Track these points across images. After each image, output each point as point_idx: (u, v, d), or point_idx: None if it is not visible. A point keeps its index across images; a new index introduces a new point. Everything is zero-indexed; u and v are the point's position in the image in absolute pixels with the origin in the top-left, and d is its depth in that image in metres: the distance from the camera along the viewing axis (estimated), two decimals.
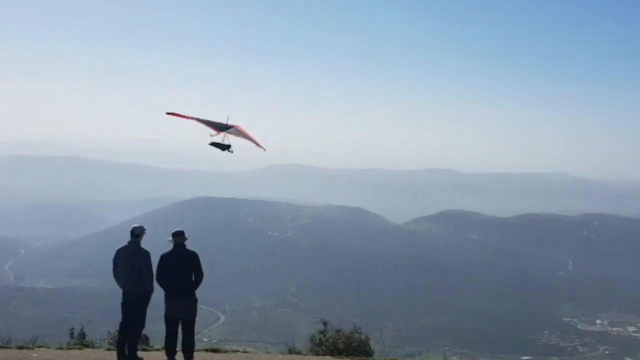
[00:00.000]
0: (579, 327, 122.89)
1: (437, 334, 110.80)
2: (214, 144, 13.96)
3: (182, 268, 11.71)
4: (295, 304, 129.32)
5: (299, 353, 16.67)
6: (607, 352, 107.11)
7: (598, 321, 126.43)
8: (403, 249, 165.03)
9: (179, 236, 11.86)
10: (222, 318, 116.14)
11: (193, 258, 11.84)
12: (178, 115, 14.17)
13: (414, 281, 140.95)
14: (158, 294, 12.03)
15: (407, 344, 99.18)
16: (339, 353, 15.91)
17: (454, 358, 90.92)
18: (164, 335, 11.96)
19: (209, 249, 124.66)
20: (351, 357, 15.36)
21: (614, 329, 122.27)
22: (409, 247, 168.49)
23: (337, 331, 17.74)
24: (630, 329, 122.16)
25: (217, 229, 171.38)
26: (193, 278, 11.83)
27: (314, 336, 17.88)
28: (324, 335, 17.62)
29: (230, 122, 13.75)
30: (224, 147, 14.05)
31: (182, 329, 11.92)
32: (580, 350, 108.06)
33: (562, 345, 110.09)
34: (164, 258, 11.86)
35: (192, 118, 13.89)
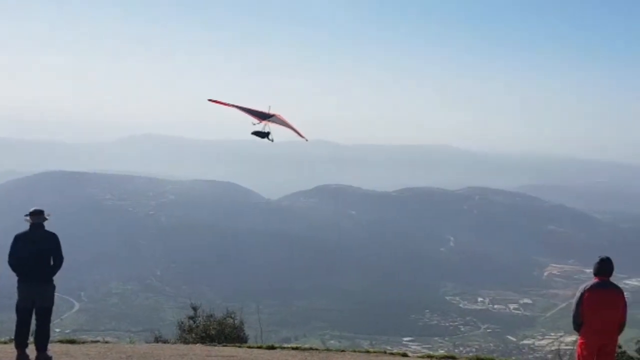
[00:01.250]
0: (460, 305, 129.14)
1: (315, 316, 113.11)
2: (255, 133, 15.10)
3: (40, 251, 11.30)
4: (160, 288, 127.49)
5: (166, 342, 16.61)
6: (488, 330, 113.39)
7: (480, 299, 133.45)
8: (278, 226, 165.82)
9: (37, 215, 11.43)
10: (77, 305, 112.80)
11: (52, 240, 11.44)
12: (220, 102, 15.17)
13: (290, 261, 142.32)
14: (9, 281, 11.63)
15: (284, 328, 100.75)
16: (211, 340, 15.98)
17: (332, 342, 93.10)
18: (14, 326, 11.57)
19: (60, 229, 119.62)
20: (224, 343, 15.45)
21: (495, 306, 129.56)
22: (285, 224, 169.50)
23: (208, 316, 17.82)
24: (512, 306, 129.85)
25: (68, 206, 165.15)
26: (52, 262, 11.50)
27: (182, 323, 17.86)
28: (194, 322, 17.65)
29: (271, 111, 14.72)
30: (264, 135, 15.13)
31: (37, 318, 11.55)
32: (462, 329, 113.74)
33: (443, 324, 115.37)
34: (19, 239, 11.35)
35: (234, 106, 14.84)
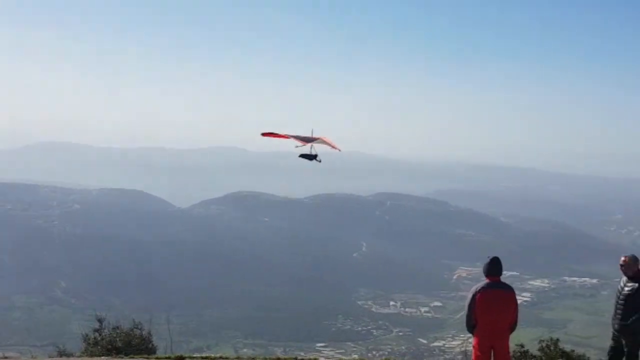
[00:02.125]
0: (373, 310, 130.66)
1: (228, 325, 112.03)
2: (303, 156, 16.38)
3: None
4: (65, 300, 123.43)
5: (70, 355, 16.09)
6: (400, 333, 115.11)
7: (392, 303, 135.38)
8: (189, 235, 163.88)
9: None
10: None
11: None
12: (275, 135, 16.62)
13: (202, 270, 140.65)
14: None
15: (195, 337, 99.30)
16: (118, 352, 15.60)
17: (245, 350, 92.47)
18: None
19: None
20: (131, 355, 15.10)
21: (407, 310, 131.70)
22: (196, 232, 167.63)
23: (115, 328, 17.36)
24: (423, 309, 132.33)
25: None
26: None
27: (87, 335, 17.34)
28: (100, 334, 17.16)
29: (315, 135, 16.13)
30: (312, 157, 16.42)
31: None
32: (375, 333, 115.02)
33: (356, 329, 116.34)
34: None
35: (289, 136, 16.11)
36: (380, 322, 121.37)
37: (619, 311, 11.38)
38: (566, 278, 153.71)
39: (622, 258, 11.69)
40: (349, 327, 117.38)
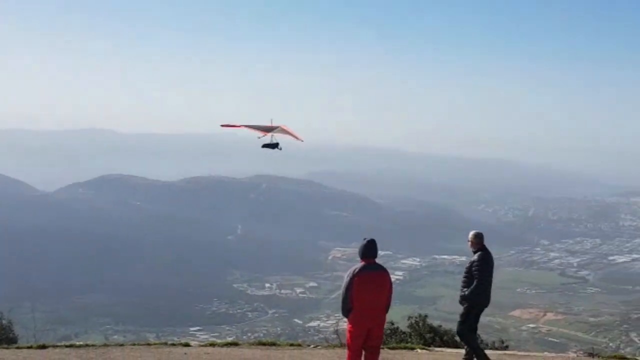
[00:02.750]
0: (248, 292, 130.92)
1: (97, 312, 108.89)
2: (265, 145, 16.96)
3: None
4: None
5: None
6: (276, 315, 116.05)
7: (267, 285, 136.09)
8: (55, 220, 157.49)
9: None
10: None
11: None
12: (232, 125, 17.74)
13: (69, 256, 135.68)
14: None
15: (62, 325, 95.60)
16: None
17: (116, 337, 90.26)
18: None
19: None
20: None
21: (282, 291, 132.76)
22: (63, 217, 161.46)
23: None
24: (298, 290, 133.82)
25: None
26: None
27: None
28: None
29: (274, 124, 16.54)
30: (274, 146, 16.97)
31: None
32: (250, 315, 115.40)
33: (231, 312, 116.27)
34: None
35: (243, 126, 16.92)
36: (255, 304, 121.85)
37: (462, 283, 11.86)
38: (436, 256, 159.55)
39: (469, 235, 12.09)
40: (224, 310, 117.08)
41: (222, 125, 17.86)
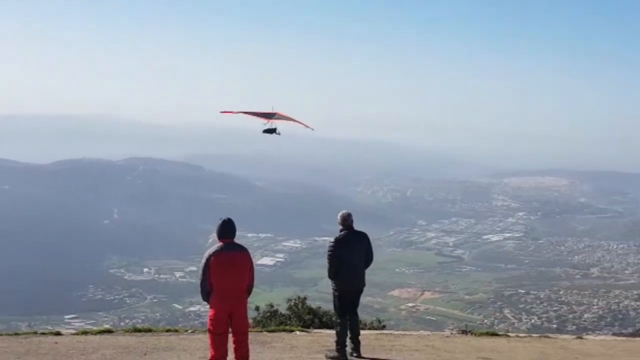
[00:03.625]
0: (126, 277, 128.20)
1: None
2: (266, 131, 17.14)
3: None
4: None
5: None
6: (155, 300, 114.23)
7: (146, 270, 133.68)
8: None
9: None
10: None
11: None
12: (231, 112, 17.47)
13: None
14: None
15: None
16: None
17: None
18: None
19: None
20: None
21: (161, 276, 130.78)
22: None
23: None
24: (178, 274, 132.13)
25: None
26: None
27: None
28: None
29: (274, 110, 16.98)
30: (272, 131, 17.15)
31: None
32: (128, 301, 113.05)
33: (108, 298, 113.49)
34: None
35: (244, 112, 17.11)
36: (133, 289, 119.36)
37: None
38: (317, 238, 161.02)
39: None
40: (100, 296, 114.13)
41: (222, 112, 17.78)
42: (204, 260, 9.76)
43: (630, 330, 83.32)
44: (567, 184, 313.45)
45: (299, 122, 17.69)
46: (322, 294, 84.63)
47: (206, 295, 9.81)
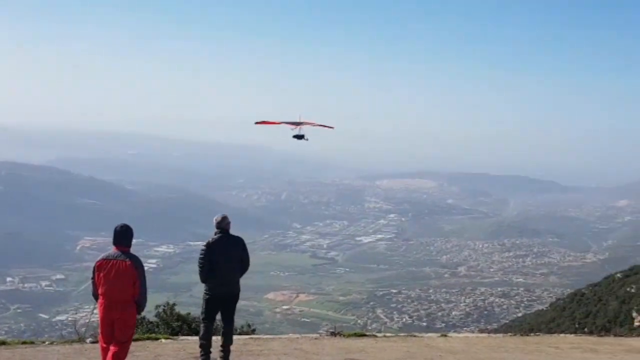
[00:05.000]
0: None
1: None
2: (295, 137, 19.46)
3: None
4: None
5: None
6: (19, 310, 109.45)
7: (9, 279, 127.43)
8: None
9: None
10: None
11: None
12: (267, 122, 19.85)
13: None
14: None
15: None
16: None
17: None
18: None
19: None
20: None
21: (26, 285, 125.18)
22: None
23: None
24: (44, 283, 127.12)
25: None
26: None
27: None
28: None
29: (301, 119, 19.32)
30: (301, 137, 19.49)
31: None
32: None
33: None
34: None
35: (280, 122, 19.30)
36: None
37: None
38: (191, 242, 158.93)
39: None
40: None
41: (256, 123, 19.86)
42: (93, 267, 9.64)
43: (495, 325, 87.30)
44: (435, 186, 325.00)
45: (321, 125, 19.97)
46: (195, 299, 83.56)
47: (96, 299, 9.61)
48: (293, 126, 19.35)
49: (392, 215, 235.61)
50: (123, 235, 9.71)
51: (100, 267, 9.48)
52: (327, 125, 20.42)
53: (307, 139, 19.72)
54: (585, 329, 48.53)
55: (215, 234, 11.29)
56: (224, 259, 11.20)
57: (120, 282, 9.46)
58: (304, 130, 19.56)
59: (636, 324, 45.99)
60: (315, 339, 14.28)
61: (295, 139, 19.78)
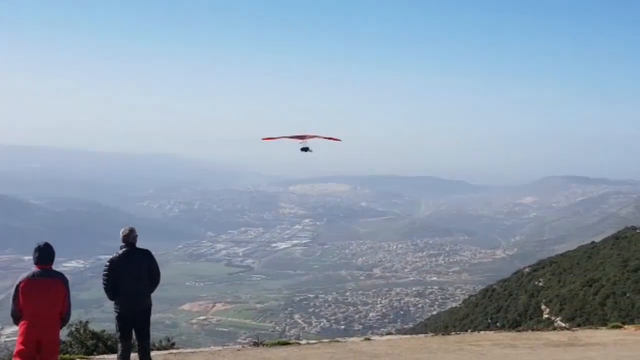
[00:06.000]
0: None
1: None
2: (302, 149, 20.43)
3: None
4: None
5: None
6: None
7: None
8: None
9: None
10: None
11: None
12: (273, 138, 20.73)
13: None
14: None
15: None
16: None
17: None
18: None
19: None
20: None
21: None
22: None
23: None
24: None
25: None
26: None
27: None
28: None
29: (307, 132, 20.15)
30: (306, 149, 20.40)
31: None
32: None
33: None
34: None
35: (284, 137, 20.07)
36: None
37: None
38: (101, 256, 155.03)
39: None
40: None
41: (263, 139, 20.86)
42: (15, 286, 9.19)
43: (411, 325, 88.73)
44: (349, 189, 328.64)
45: (326, 137, 20.67)
46: (109, 315, 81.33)
47: (17, 320, 9.26)
48: (299, 140, 20.28)
49: (307, 220, 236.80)
50: (45, 253, 9.40)
51: (26, 287, 9.11)
52: (335, 137, 20.91)
53: (311, 151, 20.78)
54: (498, 324, 50.04)
55: (121, 248, 10.96)
56: (131, 274, 10.88)
57: (49, 300, 9.18)
58: (308, 142, 20.50)
59: (545, 316, 47.57)
60: (238, 350, 14.01)
61: (303, 152, 20.70)
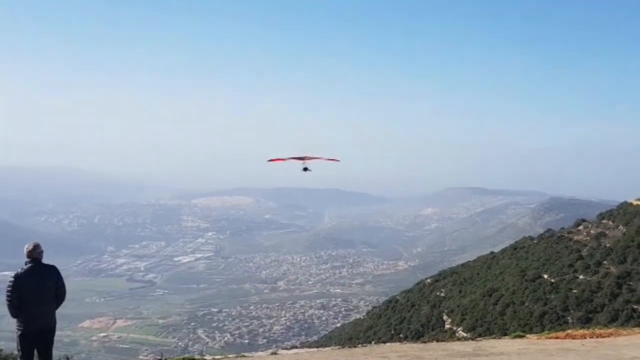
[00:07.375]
0: None
1: None
2: (303, 169, 22.58)
3: None
4: None
5: None
6: None
7: None
8: None
9: None
10: None
11: None
12: (279, 159, 22.51)
13: None
14: None
15: None
16: None
17: None
18: None
19: None
20: None
21: None
22: None
23: None
24: None
25: None
26: None
27: None
28: None
29: (306, 154, 22.27)
30: (306, 169, 22.60)
31: None
32: None
33: None
34: None
35: (289, 158, 22.27)
36: None
37: None
38: (1, 273, 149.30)
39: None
40: None
41: (270, 160, 22.08)
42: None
43: (315, 338, 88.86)
44: (252, 202, 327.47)
45: (325, 158, 22.39)
46: (5, 333, 78.78)
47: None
48: (301, 161, 22.11)
49: (210, 234, 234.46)
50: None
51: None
52: (333, 158, 23.15)
53: (310, 170, 22.55)
54: (401, 335, 50.77)
55: (26, 263, 10.57)
56: (36, 291, 10.52)
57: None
58: (307, 163, 22.29)
59: (447, 326, 48.58)
60: None
61: (304, 172, 22.55)
